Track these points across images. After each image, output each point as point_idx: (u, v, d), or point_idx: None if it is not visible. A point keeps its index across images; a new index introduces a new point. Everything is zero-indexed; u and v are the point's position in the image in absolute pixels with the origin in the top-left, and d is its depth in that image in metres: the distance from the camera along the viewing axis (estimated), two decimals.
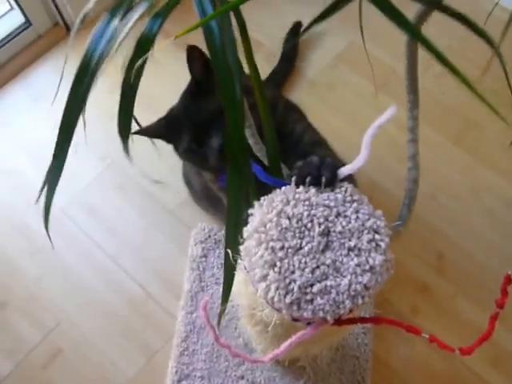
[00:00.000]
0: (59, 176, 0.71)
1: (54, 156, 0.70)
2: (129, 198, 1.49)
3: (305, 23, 1.76)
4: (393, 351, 1.31)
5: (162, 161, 1.49)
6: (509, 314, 1.33)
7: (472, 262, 1.42)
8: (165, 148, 1.53)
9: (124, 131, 0.73)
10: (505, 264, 1.40)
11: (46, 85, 1.66)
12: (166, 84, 1.54)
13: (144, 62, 0.69)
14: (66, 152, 0.70)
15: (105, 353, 1.30)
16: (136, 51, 0.69)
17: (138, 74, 0.70)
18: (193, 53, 0.94)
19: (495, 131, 1.56)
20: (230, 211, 0.73)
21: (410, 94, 0.86)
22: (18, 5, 1.63)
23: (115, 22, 0.68)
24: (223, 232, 1.37)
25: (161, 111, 1.54)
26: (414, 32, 0.70)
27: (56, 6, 1.68)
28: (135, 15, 0.67)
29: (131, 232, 1.45)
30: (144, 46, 0.69)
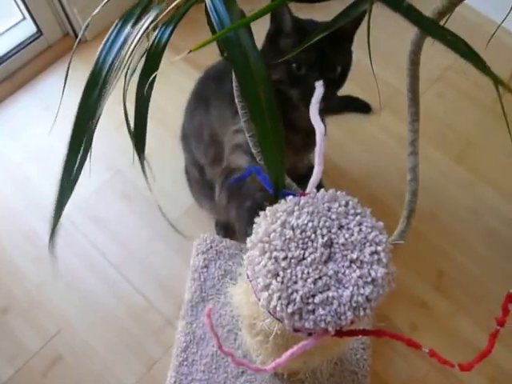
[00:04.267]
0: (69, 195, 0.69)
1: (63, 175, 0.69)
2: (133, 207, 1.51)
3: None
4: (391, 368, 1.32)
5: (166, 172, 1.52)
6: (507, 332, 1.35)
7: (471, 280, 1.43)
8: (166, 157, 1.55)
9: (140, 147, 0.74)
10: (504, 282, 1.41)
11: (56, 94, 1.68)
12: (169, 94, 1.57)
13: (155, 76, 0.71)
14: (77, 172, 0.68)
15: (104, 361, 1.31)
16: (146, 63, 0.71)
17: (150, 86, 0.72)
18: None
19: (496, 150, 1.57)
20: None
21: (412, 106, 0.87)
22: (30, 15, 1.66)
23: (126, 29, 0.69)
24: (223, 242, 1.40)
25: (166, 121, 1.58)
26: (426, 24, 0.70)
27: (67, 17, 1.71)
28: (146, 23, 0.68)
29: (134, 241, 1.46)
30: (154, 57, 0.71)
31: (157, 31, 0.71)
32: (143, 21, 0.70)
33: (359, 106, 1.62)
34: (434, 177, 1.57)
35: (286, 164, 0.75)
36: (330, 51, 0.95)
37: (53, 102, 1.67)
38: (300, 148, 1.13)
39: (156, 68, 0.71)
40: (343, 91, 1.03)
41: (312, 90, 0.85)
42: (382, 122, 1.59)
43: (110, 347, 1.32)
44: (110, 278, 1.41)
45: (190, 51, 0.55)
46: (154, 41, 0.70)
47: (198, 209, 1.48)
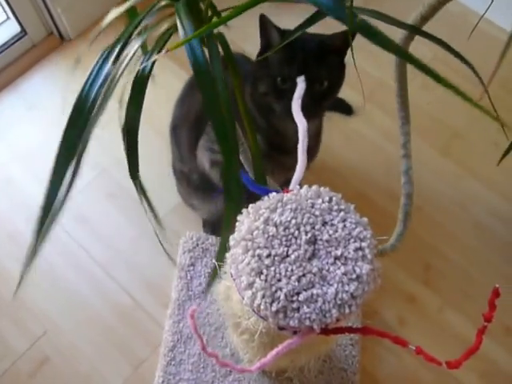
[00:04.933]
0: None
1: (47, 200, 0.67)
2: (119, 206, 1.49)
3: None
4: (380, 364, 1.31)
5: (150, 168, 1.51)
6: (497, 327, 1.35)
7: (459, 274, 1.43)
8: (152, 156, 1.54)
9: (134, 172, 0.75)
10: (492, 275, 1.41)
11: (40, 93, 1.66)
12: (157, 94, 1.55)
13: (142, 99, 0.70)
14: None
15: (91, 362, 1.29)
16: (133, 90, 0.70)
17: (138, 111, 0.71)
18: (264, 20, 0.96)
19: (482, 141, 1.57)
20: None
21: (401, 111, 0.87)
22: (14, 14, 1.64)
23: (109, 63, 0.68)
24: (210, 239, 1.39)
25: (153, 120, 1.56)
26: (403, 54, 0.72)
27: (51, 16, 1.69)
28: (129, 54, 0.67)
29: (120, 240, 1.45)
30: (140, 83, 0.70)
31: (141, 60, 0.70)
32: (125, 53, 0.69)
33: (342, 108, 1.62)
34: (420, 170, 1.55)
35: (280, 181, 0.74)
36: (316, 65, 0.96)
37: (37, 101, 1.65)
38: (293, 167, 1.13)
39: (142, 94, 0.71)
40: None
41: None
42: (366, 114, 1.59)
43: (97, 348, 1.31)
44: (96, 277, 1.39)
45: (168, 50, 0.54)
46: (138, 71, 0.69)
47: (185, 207, 1.47)
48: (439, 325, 1.36)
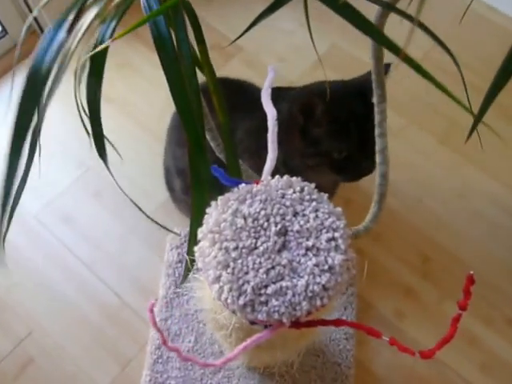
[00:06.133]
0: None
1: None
2: (105, 204, 1.46)
3: (287, 28, 1.75)
4: (376, 357, 1.28)
5: (136, 166, 1.48)
6: (496, 317, 1.32)
7: (458, 265, 1.39)
8: (139, 153, 1.51)
9: (101, 150, 0.73)
10: (492, 266, 1.38)
11: None
12: (139, 88, 1.53)
13: (101, 77, 0.67)
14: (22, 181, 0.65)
15: (78, 362, 1.27)
16: (91, 64, 0.67)
17: (98, 86, 0.68)
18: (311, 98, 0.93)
19: (481, 130, 1.53)
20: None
21: (377, 88, 0.84)
22: None
23: (61, 34, 0.64)
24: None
25: (138, 117, 1.53)
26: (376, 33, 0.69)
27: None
28: (84, 24, 0.64)
29: (107, 238, 1.42)
30: (98, 57, 0.67)
31: (100, 29, 0.67)
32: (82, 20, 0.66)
33: None
34: (418, 159, 1.54)
35: None
36: (371, 125, 0.90)
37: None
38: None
39: (102, 67, 0.67)
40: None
41: (362, 171, 0.94)
42: None
43: (83, 348, 1.28)
44: (82, 277, 1.36)
45: (114, 39, 0.50)
46: (97, 40, 0.66)
47: (172, 203, 1.44)
48: (438, 317, 1.32)
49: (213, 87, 0.75)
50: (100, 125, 0.70)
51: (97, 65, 0.66)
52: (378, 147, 0.86)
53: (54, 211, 1.45)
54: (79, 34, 0.64)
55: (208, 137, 0.85)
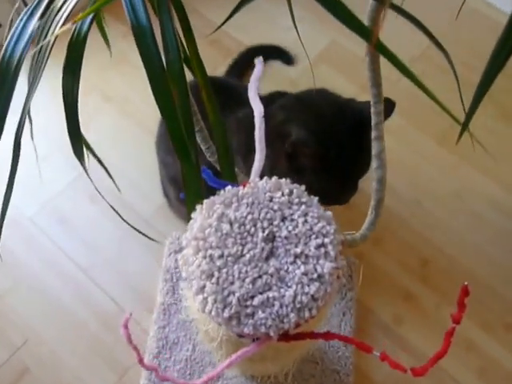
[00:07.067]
0: None
1: None
2: (102, 207, 1.42)
3: (285, 25, 1.71)
4: (375, 364, 1.24)
5: (136, 166, 1.46)
6: (494, 323, 1.28)
7: (457, 269, 1.35)
8: (138, 153, 1.48)
9: (77, 150, 0.70)
10: (491, 269, 1.34)
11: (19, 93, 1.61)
12: (138, 86, 1.50)
13: (79, 67, 0.64)
14: None
15: (74, 371, 1.24)
16: (68, 51, 0.64)
17: (76, 79, 0.65)
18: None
19: (480, 130, 1.50)
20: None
21: (373, 87, 0.79)
22: None
23: (35, 19, 0.62)
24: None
25: (138, 116, 1.51)
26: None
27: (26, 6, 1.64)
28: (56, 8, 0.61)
29: (104, 242, 1.40)
30: (76, 47, 0.64)
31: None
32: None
33: (282, 57, 1.60)
34: (416, 160, 1.50)
35: None
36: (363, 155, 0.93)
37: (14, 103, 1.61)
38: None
39: (80, 59, 0.64)
40: None
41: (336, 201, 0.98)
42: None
43: (80, 356, 1.26)
44: (79, 282, 1.34)
45: (75, 21, 0.48)
46: (74, 30, 0.63)
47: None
48: (437, 323, 1.28)
49: (203, 82, 0.69)
50: (77, 121, 0.66)
51: (73, 52, 0.63)
52: (374, 151, 0.83)
53: (49, 213, 1.42)
54: (52, 20, 0.61)
55: (198, 139, 0.82)
